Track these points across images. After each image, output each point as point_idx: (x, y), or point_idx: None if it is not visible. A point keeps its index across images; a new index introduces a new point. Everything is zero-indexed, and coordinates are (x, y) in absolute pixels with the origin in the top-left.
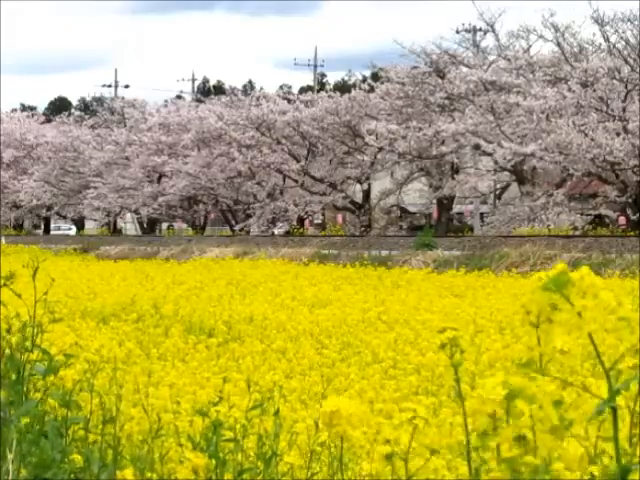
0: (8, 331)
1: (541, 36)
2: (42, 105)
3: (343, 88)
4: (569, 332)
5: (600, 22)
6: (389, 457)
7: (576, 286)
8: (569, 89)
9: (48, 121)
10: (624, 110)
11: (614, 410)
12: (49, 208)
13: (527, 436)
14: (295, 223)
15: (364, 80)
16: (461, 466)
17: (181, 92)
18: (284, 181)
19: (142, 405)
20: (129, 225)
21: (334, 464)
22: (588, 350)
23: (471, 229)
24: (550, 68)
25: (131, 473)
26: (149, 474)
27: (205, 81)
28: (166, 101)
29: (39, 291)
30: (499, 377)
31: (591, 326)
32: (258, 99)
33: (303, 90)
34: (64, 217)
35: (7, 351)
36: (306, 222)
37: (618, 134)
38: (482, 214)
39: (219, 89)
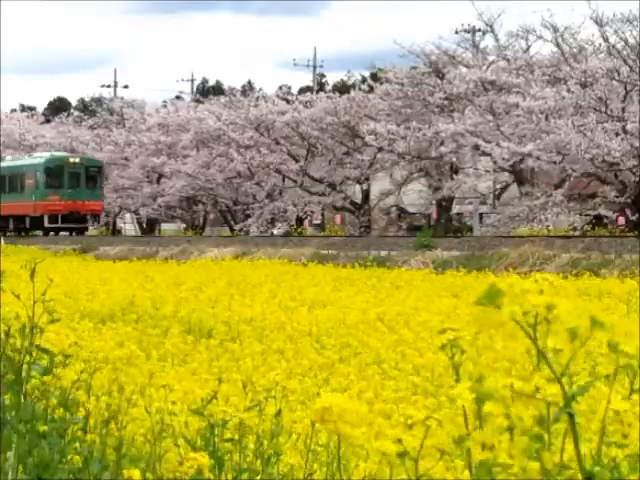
0: (7, 333)
1: (540, 36)
2: (41, 105)
3: (342, 89)
4: (506, 338)
5: (599, 22)
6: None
7: (507, 294)
8: (568, 89)
9: (47, 121)
10: (623, 111)
11: (571, 416)
12: None
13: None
14: (294, 223)
15: (363, 81)
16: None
17: (180, 92)
18: (283, 181)
19: (144, 406)
20: (128, 225)
21: (333, 464)
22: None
23: (470, 229)
24: (549, 68)
25: (138, 474)
26: (149, 474)
27: (204, 81)
28: (165, 101)
29: (38, 292)
30: (468, 382)
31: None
32: (257, 99)
33: (302, 91)
34: None
35: (7, 352)
36: (305, 222)
37: (617, 134)
38: (481, 214)
39: (218, 89)
